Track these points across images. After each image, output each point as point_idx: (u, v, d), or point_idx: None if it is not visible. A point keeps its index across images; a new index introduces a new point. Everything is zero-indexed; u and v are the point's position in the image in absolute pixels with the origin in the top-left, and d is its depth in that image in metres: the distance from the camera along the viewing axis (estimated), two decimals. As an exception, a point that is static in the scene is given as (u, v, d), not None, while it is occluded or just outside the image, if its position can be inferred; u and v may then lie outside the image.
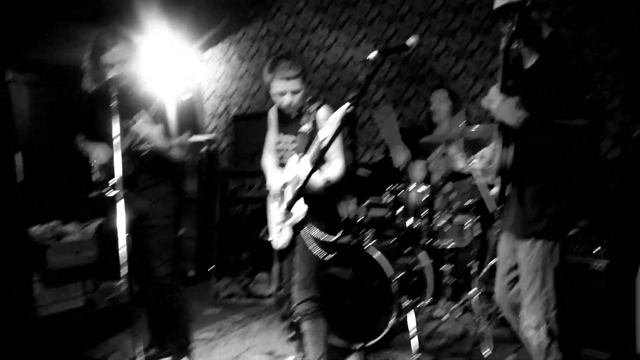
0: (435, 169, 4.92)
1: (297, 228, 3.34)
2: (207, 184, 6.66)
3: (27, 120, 5.74)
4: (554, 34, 2.65)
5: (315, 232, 3.31)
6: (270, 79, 3.27)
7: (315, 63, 6.47)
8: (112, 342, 4.40)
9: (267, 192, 3.57)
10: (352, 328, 4.06)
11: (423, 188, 4.41)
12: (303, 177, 3.02)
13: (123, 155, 3.29)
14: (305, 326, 3.39)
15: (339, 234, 3.44)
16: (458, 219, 4.34)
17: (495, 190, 2.74)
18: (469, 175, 4.26)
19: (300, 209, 3.23)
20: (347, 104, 2.49)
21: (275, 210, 3.48)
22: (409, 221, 4.38)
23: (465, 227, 4.31)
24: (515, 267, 2.83)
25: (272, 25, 6.81)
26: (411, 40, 2.54)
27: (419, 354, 3.89)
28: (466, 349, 4.06)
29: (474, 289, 4.22)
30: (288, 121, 3.42)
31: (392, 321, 3.98)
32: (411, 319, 4.01)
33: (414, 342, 3.93)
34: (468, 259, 4.40)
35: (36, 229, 5.12)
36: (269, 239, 3.54)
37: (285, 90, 3.25)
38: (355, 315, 4.05)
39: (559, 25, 2.69)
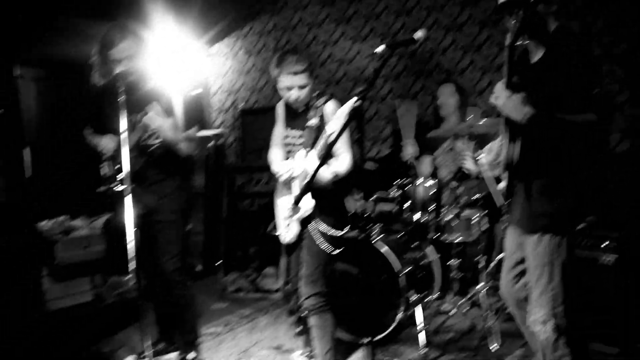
0: (442, 163, 4.91)
1: (304, 222, 3.34)
2: (215, 178, 6.66)
3: (34, 115, 5.76)
4: (561, 28, 2.63)
5: (323, 226, 3.31)
6: (277, 73, 3.27)
7: (322, 57, 6.46)
8: (120, 337, 4.41)
9: (275, 186, 3.57)
10: (360, 322, 4.06)
11: (430, 182, 4.40)
12: (311, 172, 3.02)
13: (132, 150, 3.29)
14: (312, 321, 3.39)
15: (346, 229, 3.44)
16: (465, 213, 4.33)
17: (502, 184, 2.73)
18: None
19: (308, 203, 3.23)
20: (355, 98, 2.49)
21: (282, 205, 3.48)
22: (417, 215, 4.37)
23: (472, 222, 4.30)
24: (521, 261, 2.82)
25: (279, 19, 6.80)
26: (419, 34, 2.53)
27: (427, 349, 3.89)
28: (474, 344, 4.06)
29: (482, 284, 4.21)
30: (295, 116, 3.42)
31: (399, 316, 3.98)
32: (419, 314, 4.01)
33: (422, 337, 3.93)
34: (475, 254, 4.39)
35: (44, 224, 5.13)
36: (277, 234, 3.54)
37: (292, 84, 3.24)
38: (362, 310, 4.05)
39: (566, 18, 2.67)
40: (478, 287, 4.25)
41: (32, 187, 4.93)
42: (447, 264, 4.53)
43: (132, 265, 3.11)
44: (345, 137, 3.20)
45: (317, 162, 2.99)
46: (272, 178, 3.66)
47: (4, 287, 4.33)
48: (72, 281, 5.03)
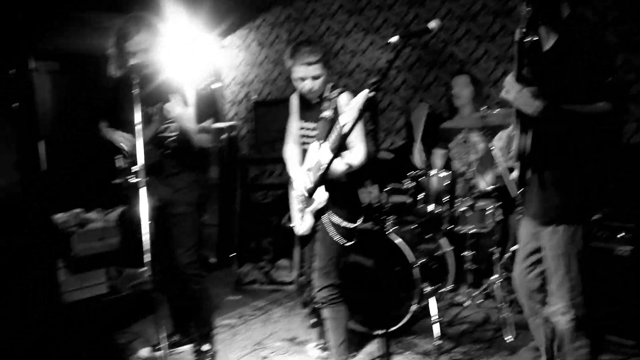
0: (456, 156, 4.88)
1: (318, 214, 3.33)
2: (228, 170, 6.67)
3: (49, 109, 5.79)
4: (573, 14, 2.60)
5: (336, 218, 3.31)
6: (291, 64, 3.26)
7: (335, 49, 6.44)
8: (135, 329, 4.45)
9: (288, 178, 3.57)
10: (374, 314, 4.06)
11: (444, 173, 4.38)
12: (324, 164, 3.02)
13: (149, 142, 3.30)
14: (326, 313, 3.40)
15: (359, 221, 3.44)
16: (479, 204, 4.31)
17: (515, 174, 2.71)
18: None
19: (322, 195, 3.23)
20: (368, 90, 2.48)
21: (297, 197, 3.48)
22: (430, 207, 4.36)
23: (486, 213, 4.28)
24: (536, 251, 2.81)
25: (292, 11, 6.78)
26: (433, 24, 2.52)
27: (441, 340, 3.89)
28: (488, 335, 4.05)
29: (496, 275, 4.20)
30: (310, 108, 3.41)
31: (413, 307, 3.98)
32: (433, 305, 4.01)
33: (436, 328, 3.92)
34: (490, 245, 4.37)
35: (60, 217, 5.17)
36: (291, 225, 3.54)
37: (306, 75, 3.23)
38: (376, 302, 4.05)
39: (581, 6, 2.63)
40: (492, 278, 4.23)
41: (47, 180, 4.95)
42: (461, 255, 4.52)
43: (147, 257, 3.13)
44: (359, 128, 3.19)
45: (331, 154, 2.99)
46: (285, 170, 3.66)
47: (21, 279, 4.36)
48: (88, 273, 5.07)
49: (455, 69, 5.55)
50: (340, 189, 3.29)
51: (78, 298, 4.96)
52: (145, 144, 3.20)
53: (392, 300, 4.07)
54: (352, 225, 3.35)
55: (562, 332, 2.66)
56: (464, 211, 4.31)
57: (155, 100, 3.46)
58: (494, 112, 4.07)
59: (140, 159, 3.14)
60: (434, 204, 4.35)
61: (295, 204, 3.49)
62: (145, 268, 3.14)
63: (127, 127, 3.47)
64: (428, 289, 4.03)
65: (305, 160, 3.42)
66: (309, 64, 3.20)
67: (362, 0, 6.24)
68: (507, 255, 4.27)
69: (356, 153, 3.25)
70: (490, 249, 4.32)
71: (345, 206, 3.35)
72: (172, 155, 3.62)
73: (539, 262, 2.79)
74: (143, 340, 4.17)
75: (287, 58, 3.28)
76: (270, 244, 6.22)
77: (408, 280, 3.99)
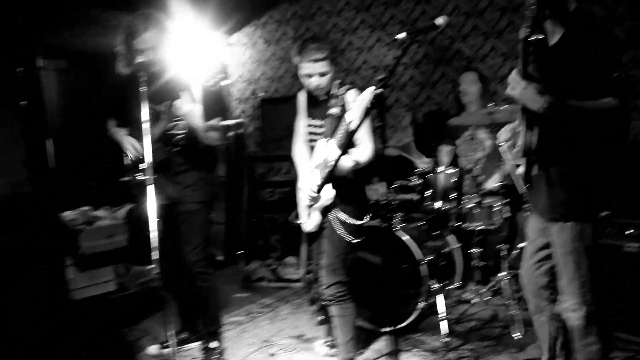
0: (463, 153, 4.87)
1: (325, 212, 3.33)
2: (235, 168, 6.68)
3: (57, 106, 5.80)
4: (580, 9, 2.58)
5: (343, 215, 3.31)
6: (298, 61, 3.26)
7: (341, 45, 6.43)
8: (143, 326, 4.46)
9: (295, 175, 3.57)
10: (381, 311, 4.06)
11: (451, 170, 4.37)
12: (332, 161, 3.02)
13: (157, 140, 3.31)
14: (333, 310, 3.40)
15: (367, 218, 3.44)
16: (487, 201, 4.30)
17: (521, 169, 2.71)
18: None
19: (329, 192, 3.22)
20: (375, 86, 2.48)
21: (304, 194, 3.48)
22: (438, 204, 4.35)
23: (494, 210, 4.27)
24: (544, 247, 2.80)
25: (298, 8, 6.76)
26: (440, 20, 2.51)
27: (448, 338, 3.89)
28: (496, 332, 4.05)
29: (504, 272, 4.19)
30: (317, 105, 3.41)
31: (421, 304, 3.98)
32: (440, 302, 4.00)
33: (444, 326, 3.92)
34: (497, 242, 4.37)
35: (68, 214, 5.18)
36: (298, 223, 3.54)
37: (313, 72, 3.23)
38: (384, 299, 4.04)
39: (589, 1, 2.62)
40: (500, 275, 4.23)
41: (55, 178, 4.97)
42: (469, 252, 4.51)
43: (155, 255, 3.13)
44: (366, 125, 3.18)
45: (338, 151, 2.99)
46: (292, 167, 3.66)
47: (29, 277, 4.39)
48: (96, 271, 5.08)
49: (462, 65, 5.54)
50: (348, 186, 3.29)
51: (86, 295, 4.97)
52: (153, 142, 3.21)
53: (400, 298, 4.07)
54: (359, 223, 3.35)
55: (573, 329, 2.66)
56: (471, 208, 4.30)
57: (163, 97, 3.46)
58: (501, 108, 4.06)
59: (148, 156, 3.14)
60: (441, 201, 4.34)
61: (302, 201, 3.49)
62: (153, 265, 3.15)
63: (135, 124, 3.46)
64: (435, 286, 4.03)
65: (312, 158, 3.42)
66: (316, 60, 3.20)
67: (369, -3, 6.23)
68: (514, 252, 4.26)
69: (363, 150, 3.25)
70: (498, 246, 4.32)
71: (352, 203, 3.35)
72: (180, 152, 3.62)
73: (547, 258, 2.78)
74: (151, 338, 4.18)
75: (294, 55, 3.28)
76: (277, 242, 6.23)
77: (415, 277, 3.99)
